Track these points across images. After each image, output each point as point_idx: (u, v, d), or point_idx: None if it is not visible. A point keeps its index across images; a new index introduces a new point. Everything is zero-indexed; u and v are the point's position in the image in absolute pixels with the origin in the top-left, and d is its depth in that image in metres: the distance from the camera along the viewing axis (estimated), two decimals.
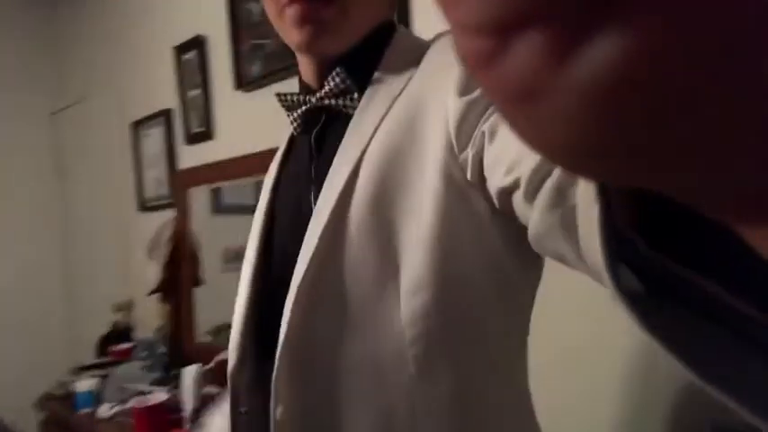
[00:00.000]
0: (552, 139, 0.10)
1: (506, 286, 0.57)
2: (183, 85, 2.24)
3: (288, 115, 0.67)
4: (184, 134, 2.28)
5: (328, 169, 0.60)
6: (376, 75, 0.62)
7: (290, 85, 1.75)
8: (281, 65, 1.73)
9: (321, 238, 0.56)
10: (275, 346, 0.58)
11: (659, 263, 0.16)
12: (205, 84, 2.14)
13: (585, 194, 0.20)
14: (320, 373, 0.57)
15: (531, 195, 0.40)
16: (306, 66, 0.67)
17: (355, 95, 0.62)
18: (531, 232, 0.40)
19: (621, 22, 0.08)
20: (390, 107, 0.59)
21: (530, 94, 0.09)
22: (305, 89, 0.68)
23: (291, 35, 0.61)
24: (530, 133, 0.10)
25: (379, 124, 0.58)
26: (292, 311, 0.57)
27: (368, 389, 0.55)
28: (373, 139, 0.58)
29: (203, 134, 2.18)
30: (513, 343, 0.60)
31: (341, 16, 0.60)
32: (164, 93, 2.35)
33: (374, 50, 0.64)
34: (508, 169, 0.43)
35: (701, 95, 0.08)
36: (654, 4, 0.08)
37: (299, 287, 0.57)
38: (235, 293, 0.71)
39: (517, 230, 0.47)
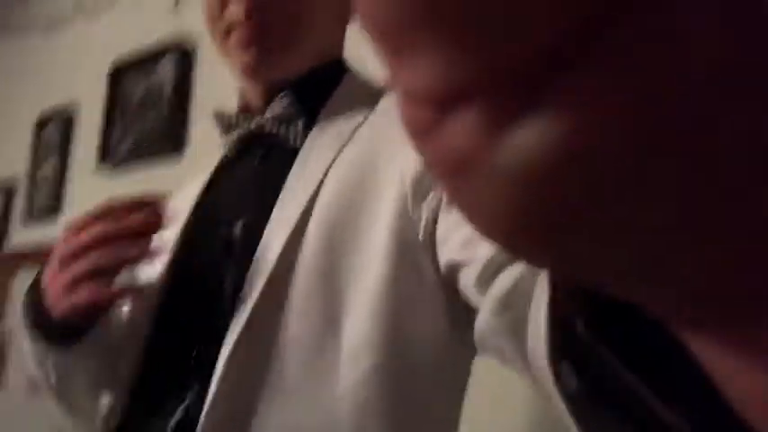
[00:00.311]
0: (480, 214, 0.10)
1: (451, 354, 0.54)
2: (37, 155, 2.02)
3: (221, 136, 0.64)
4: (26, 210, 2.02)
5: (266, 205, 0.56)
6: (323, 113, 0.60)
7: (162, 170, 1.65)
8: (152, 148, 1.62)
9: (264, 289, 0.51)
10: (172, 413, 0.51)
11: (597, 350, 0.16)
12: (64, 157, 1.94)
13: (539, 294, 0.20)
14: None
15: (483, 283, 0.40)
16: (249, 92, 0.65)
17: (300, 125, 0.59)
18: (476, 329, 0.40)
19: (549, 112, 0.08)
20: (340, 152, 0.56)
21: (461, 168, 0.09)
22: (243, 114, 0.64)
23: (236, 57, 0.60)
24: (462, 205, 0.10)
25: (327, 170, 0.55)
26: (226, 368, 0.50)
27: None
28: (322, 187, 0.55)
29: (50, 209, 1.93)
30: (451, 414, 0.57)
31: (287, 41, 0.59)
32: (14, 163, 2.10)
33: (322, 85, 0.62)
34: (464, 243, 0.43)
35: (623, 189, 0.08)
36: (580, 102, 0.08)
37: (237, 341, 0.50)
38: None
39: (461, 305, 0.47)
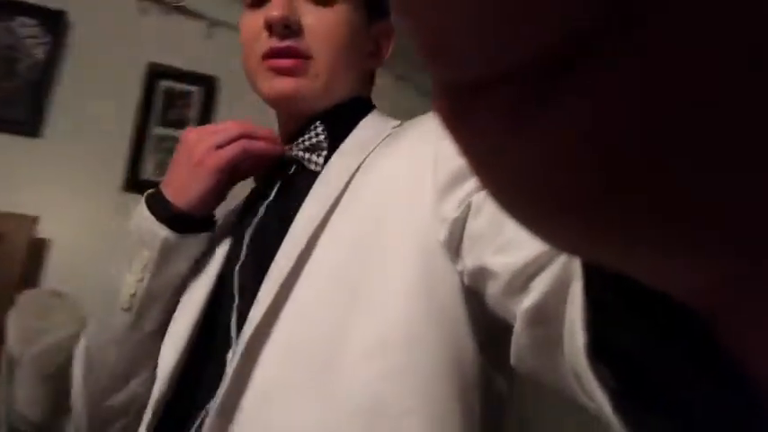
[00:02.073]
0: (510, 197, 0.10)
1: (479, 368, 0.52)
2: None
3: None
4: None
5: (283, 214, 0.59)
6: (347, 141, 0.63)
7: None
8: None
9: (281, 285, 0.52)
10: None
11: (636, 340, 0.15)
12: None
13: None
14: None
15: (513, 293, 0.39)
16: (282, 121, 0.70)
17: (324, 153, 0.62)
18: (513, 350, 0.39)
19: (574, 97, 0.08)
20: (364, 161, 0.59)
21: (492, 153, 0.10)
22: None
23: (269, 86, 0.62)
24: (493, 189, 0.10)
25: (353, 175, 0.58)
26: (239, 365, 0.51)
27: None
28: (348, 189, 0.57)
29: None
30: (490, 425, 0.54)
31: (319, 72, 0.62)
32: None
33: (351, 118, 0.65)
34: (496, 249, 0.42)
35: (654, 173, 0.08)
36: (605, 89, 0.08)
37: (253, 335, 0.51)
38: None
39: (484, 314, 0.47)
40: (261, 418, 0.49)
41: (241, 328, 0.53)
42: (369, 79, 0.72)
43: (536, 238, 0.11)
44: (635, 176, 0.08)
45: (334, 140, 0.63)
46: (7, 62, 1.59)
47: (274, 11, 0.60)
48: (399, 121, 0.66)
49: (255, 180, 0.70)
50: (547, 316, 0.34)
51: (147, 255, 0.60)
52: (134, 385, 0.64)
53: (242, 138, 0.61)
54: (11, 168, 1.57)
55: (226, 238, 0.65)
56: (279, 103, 0.64)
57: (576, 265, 0.21)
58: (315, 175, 0.61)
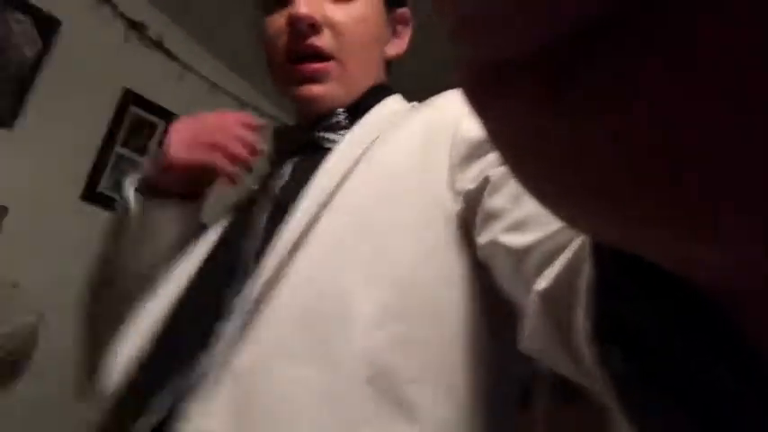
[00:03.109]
0: (534, 178, 0.11)
1: (489, 343, 0.52)
2: None
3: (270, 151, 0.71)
4: None
5: (298, 192, 0.57)
6: (363, 119, 0.64)
7: None
8: None
9: (291, 247, 0.51)
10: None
11: (648, 323, 0.14)
12: None
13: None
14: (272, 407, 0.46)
15: (526, 274, 0.38)
16: (302, 115, 0.69)
17: (343, 132, 0.64)
18: (524, 335, 0.38)
19: (600, 84, 0.08)
20: (378, 136, 0.60)
21: (517, 135, 0.10)
22: (300, 130, 0.70)
23: (298, 92, 0.64)
24: (517, 170, 0.11)
25: (369, 146, 0.58)
26: (243, 321, 0.49)
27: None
28: (363, 159, 0.57)
29: None
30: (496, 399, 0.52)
31: (343, 73, 0.63)
32: None
33: (371, 103, 0.66)
34: (512, 226, 0.41)
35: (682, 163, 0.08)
36: (631, 78, 0.08)
37: (263, 286, 0.50)
38: None
39: (495, 291, 0.46)
40: (260, 384, 0.46)
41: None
42: (387, 66, 0.72)
43: (558, 218, 0.11)
44: (670, 161, 0.08)
45: (354, 123, 0.64)
46: None
47: (299, 9, 0.60)
48: (416, 103, 0.67)
49: (270, 164, 0.71)
50: (562, 299, 0.31)
51: (119, 225, 0.66)
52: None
53: (220, 148, 0.64)
54: None
55: (235, 219, 0.65)
56: (306, 107, 0.65)
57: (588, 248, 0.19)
58: (328, 153, 0.60)
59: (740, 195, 0.08)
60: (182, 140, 0.64)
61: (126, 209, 0.65)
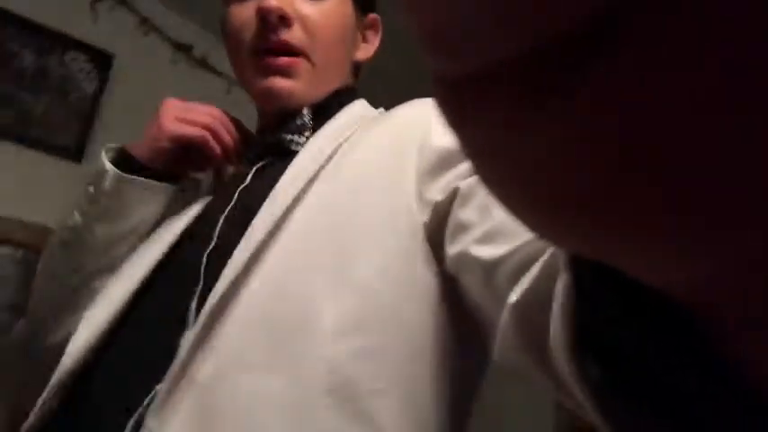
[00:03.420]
0: (508, 193, 0.10)
1: (453, 352, 0.51)
2: None
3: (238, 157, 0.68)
4: None
5: (258, 198, 0.56)
6: (328, 123, 0.63)
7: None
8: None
9: (252, 255, 0.49)
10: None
11: (625, 332, 0.14)
12: None
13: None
14: (226, 414, 0.44)
15: (498, 286, 0.37)
16: (265, 117, 0.69)
17: (308, 133, 0.62)
18: (497, 343, 0.37)
19: (579, 97, 0.08)
20: (347, 139, 0.59)
21: (493, 147, 0.10)
22: (261, 134, 0.69)
23: (261, 84, 0.62)
24: (491, 184, 0.11)
25: (336, 150, 0.57)
26: (197, 337, 0.47)
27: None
28: (328, 165, 0.56)
29: None
30: (458, 410, 0.52)
31: (313, 71, 0.63)
32: None
33: (336, 105, 0.66)
34: (482, 238, 0.41)
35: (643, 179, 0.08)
36: (613, 89, 0.08)
37: (220, 299, 0.48)
38: None
39: (462, 302, 0.45)
40: (220, 394, 0.45)
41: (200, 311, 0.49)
42: (355, 71, 0.72)
43: (532, 231, 0.11)
44: (647, 170, 0.08)
45: (319, 126, 0.63)
46: (60, 92, 1.80)
47: (269, 1, 0.58)
48: (382, 109, 0.66)
49: (231, 166, 0.69)
50: (535, 311, 0.31)
51: (92, 191, 0.61)
52: (70, 324, 0.59)
53: (209, 130, 0.62)
54: (54, 189, 1.79)
55: (191, 216, 0.61)
56: (271, 101, 0.64)
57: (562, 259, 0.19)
58: (294, 157, 0.59)
59: (715, 210, 0.08)
60: (174, 115, 0.62)
61: (100, 178, 0.61)
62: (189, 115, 0.62)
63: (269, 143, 0.65)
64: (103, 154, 0.63)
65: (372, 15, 0.71)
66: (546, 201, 0.10)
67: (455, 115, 0.10)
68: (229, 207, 0.59)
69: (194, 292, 0.52)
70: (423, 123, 0.55)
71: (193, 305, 0.51)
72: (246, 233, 0.52)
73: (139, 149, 0.62)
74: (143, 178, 0.62)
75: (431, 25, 0.09)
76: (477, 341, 0.49)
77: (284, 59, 0.61)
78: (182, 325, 0.49)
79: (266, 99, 0.64)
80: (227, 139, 0.64)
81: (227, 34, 0.65)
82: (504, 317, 0.35)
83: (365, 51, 0.72)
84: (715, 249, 0.09)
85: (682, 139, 0.08)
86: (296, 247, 0.51)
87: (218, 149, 0.63)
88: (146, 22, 1.96)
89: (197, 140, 0.62)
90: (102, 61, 1.88)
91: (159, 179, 0.63)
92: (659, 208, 0.09)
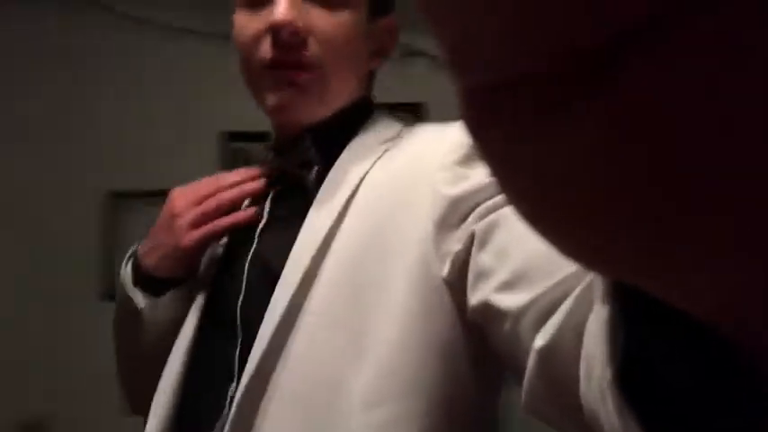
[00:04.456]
0: (528, 206, 0.10)
1: (476, 405, 0.53)
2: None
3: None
4: None
5: (279, 241, 0.57)
6: (347, 150, 0.61)
7: None
8: None
9: (279, 323, 0.52)
10: None
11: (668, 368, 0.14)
12: None
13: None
14: None
15: (523, 334, 0.37)
16: (277, 130, 0.66)
17: (315, 168, 0.61)
18: (523, 398, 0.37)
19: (597, 109, 0.08)
20: (361, 181, 0.57)
21: (511, 158, 0.10)
22: (275, 150, 0.67)
23: (267, 98, 0.60)
24: (511, 196, 0.10)
25: (349, 201, 0.56)
26: (240, 407, 0.51)
27: None
28: (345, 219, 0.55)
29: None
30: None
31: (320, 84, 0.60)
32: None
33: (349, 125, 0.63)
34: (503, 285, 0.41)
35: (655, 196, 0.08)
36: (629, 103, 0.08)
37: (252, 377, 0.51)
38: None
39: (489, 352, 0.45)
40: None
41: (243, 363, 0.53)
42: (370, 78, 0.69)
43: (557, 248, 0.11)
44: (667, 184, 0.08)
45: (328, 155, 0.61)
46: None
47: (281, 15, 0.55)
48: (398, 129, 0.63)
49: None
50: (562, 355, 0.31)
51: (127, 318, 0.64)
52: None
53: (219, 205, 0.61)
54: None
55: (217, 267, 0.64)
56: (280, 115, 0.62)
57: (592, 300, 0.19)
58: (307, 192, 0.59)
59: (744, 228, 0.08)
60: (188, 222, 0.61)
61: (135, 309, 0.63)
62: (196, 216, 0.61)
63: (280, 174, 0.64)
64: (127, 280, 0.64)
65: (387, 19, 0.66)
66: (570, 211, 0.10)
67: (479, 125, 0.10)
68: (252, 252, 0.60)
69: (235, 346, 0.55)
70: (432, 164, 0.53)
71: (236, 359, 0.54)
72: (271, 302, 0.53)
73: (161, 269, 0.63)
74: (172, 291, 0.63)
75: (456, 38, 0.09)
76: (500, 388, 0.50)
77: (297, 73, 0.59)
78: (229, 379, 0.54)
79: (278, 113, 0.62)
80: (231, 217, 0.62)
81: (238, 44, 0.62)
82: (531, 364, 0.35)
83: (381, 58, 0.68)
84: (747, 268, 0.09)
85: (690, 149, 0.08)
86: (320, 316, 0.52)
87: (235, 222, 0.62)
88: None
89: (213, 235, 0.62)
90: None
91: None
92: (685, 225, 0.09)
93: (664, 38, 0.07)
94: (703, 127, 0.08)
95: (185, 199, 0.62)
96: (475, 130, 0.10)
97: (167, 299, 0.63)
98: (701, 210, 0.08)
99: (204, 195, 0.62)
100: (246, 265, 0.59)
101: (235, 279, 0.59)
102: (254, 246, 0.60)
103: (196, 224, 0.60)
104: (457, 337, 0.50)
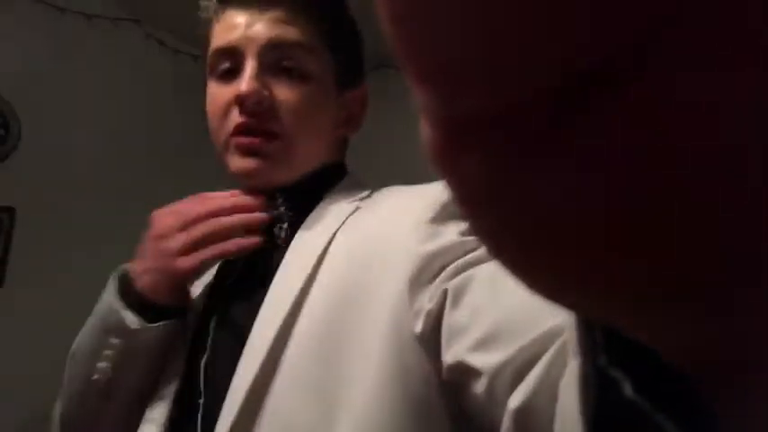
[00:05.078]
0: (496, 244, 0.10)
1: None
2: None
3: None
4: None
5: (246, 301, 0.57)
6: (318, 207, 0.62)
7: None
8: None
9: (252, 385, 0.50)
10: None
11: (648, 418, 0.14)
12: None
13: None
14: None
15: (497, 394, 0.37)
16: (244, 192, 0.65)
17: (285, 225, 0.61)
18: None
19: (562, 155, 0.08)
20: (332, 239, 0.57)
21: (478, 196, 0.09)
22: None
23: (235, 163, 0.61)
24: (479, 232, 0.10)
25: (320, 260, 0.56)
26: None
27: None
28: (316, 279, 0.55)
29: None
30: None
31: (285, 151, 0.61)
32: None
33: (320, 186, 0.64)
34: (476, 343, 0.40)
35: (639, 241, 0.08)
36: (594, 149, 0.08)
37: None
38: None
39: (464, 412, 0.45)
40: None
41: (209, 428, 0.51)
42: (341, 144, 0.70)
43: (528, 286, 0.10)
44: (652, 224, 0.08)
45: (299, 214, 0.62)
46: None
47: (245, 86, 0.59)
48: (368, 191, 0.64)
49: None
50: (538, 415, 0.31)
51: (116, 342, 0.58)
52: None
53: (214, 231, 0.59)
54: None
55: (192, 321, 0.62)
56: (242, 180, 0.63)
57: (566, 358, 0.19)
58: (279, 251, 0.59)
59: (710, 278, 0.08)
60: (179, 247, 0.58)
61: (125, 331, 0.58)
62: (188, 240, 0.58)
63: None
64: (119, 301, 0.59)
65: (357, 92, 0.69)
66: (546, 249, 0.09)
67: (450, 160, 0.09)
68: (219, 310, 0.60)
69: (198, 408, 0.54)
70: (406, 228, 0.53)
71: (198, 426, 0.53)
72: (239, 363, 0.52)
73: (153, 291, 0.59)
74: (168, 321, 0.59)
75: (436, 63, 0.08)
76: None
77: (254, 139, 0.60)
78: None
79: (240, 178, 0.63)
80: (233, 243, 0.59)
81: (209, 112, 0.64)
82: (506, 424, 0.35)
83: (351, 127, 0.70)
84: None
85: (681, 189, 0.08)
86: (292, 378, 0.51)
87: (233, 250, 0.59)
88: None
89: (209, 260, 0.59)
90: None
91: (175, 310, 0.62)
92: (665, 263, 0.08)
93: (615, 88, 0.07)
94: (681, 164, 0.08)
95: (172, 220, 0.60)
96: (449, 161, 0.09)
97: (160, 329, 0.59)
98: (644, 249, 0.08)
99: (193, 218, 0.59)
100: (213, 321, 0.59)
101: (202, 336, 0.59)
102: (223, 301, 0.60)
103: (189, 248, 0.58)
104: (433, 396, 0.49)
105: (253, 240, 0.59)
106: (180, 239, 0.58)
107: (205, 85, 0.66)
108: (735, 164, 0.07)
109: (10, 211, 1.88)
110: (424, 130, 0.10)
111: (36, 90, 1.99)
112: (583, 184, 0.08)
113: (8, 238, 1.86)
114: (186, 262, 0.57)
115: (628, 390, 0.13)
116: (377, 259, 0.54)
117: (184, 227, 0.59)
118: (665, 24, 0.07)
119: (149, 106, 2.30)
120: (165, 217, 0.61)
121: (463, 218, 0.10)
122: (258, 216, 0.61)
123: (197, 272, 0.59)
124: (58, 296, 1.78)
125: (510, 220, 0.09)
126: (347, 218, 0.59)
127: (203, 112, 0.66)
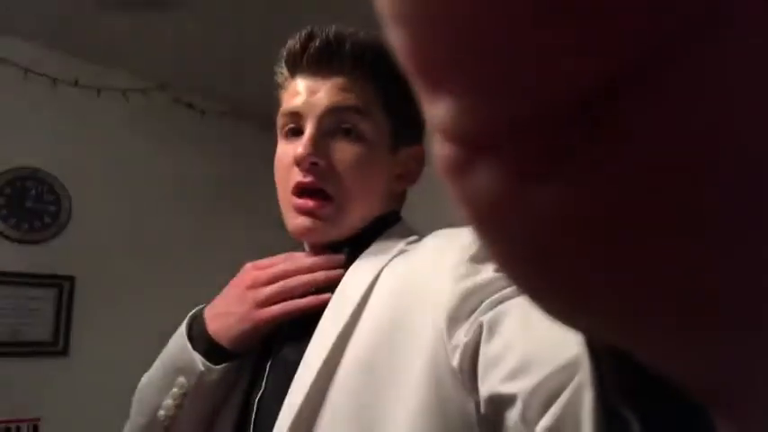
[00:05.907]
0: (505, 259, 0.10)
1: None
2: None
3: None
4: None
5: (296, 342, 0.61)
6: (366, 252, 0.66)
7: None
8: None
9: (295, 420, 0.53)
10: None
11: None
12: None
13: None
14: None
15: (529, 420, 0.38)
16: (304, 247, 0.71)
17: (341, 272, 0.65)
18: None
19: (569, 173, 0.08)
20: (376, 279, 0.60)
21: (488, 211, 0.09)
22: None
23: (291, 221, 0.66)
24: (489, 247, 0.10)
25: (366, 297, 0.59)
26: None
27: None
28: (361, 315, 0.58)
29: None
30: None
31: (337, 213, 0.65)
32: None
33: (375, 236, 0.68)
34: (508, 375, 0.42)
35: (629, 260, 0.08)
36: (601, 167, 0.08)
37: None
38: None
39: None
40: None
41: None
42: (397, 197, 0.74)
43: (543, 309, 0.11)
44: (663, 243, 0.08)
45: (355, 257, 0.66)
46: None
47: (302, 149, 0.63)
48: (417, 237, 0.67)
49: None
50: None
51: (183, 381, 0.63)
52: None
53: (291, 291, 0.64)
54: None
55: (252, 359, 0.67)
56: (299, 238, 0.68)
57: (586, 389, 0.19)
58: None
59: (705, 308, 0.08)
60: (262, 299, 0.64)
61: (193, 369, 0.63)
62: (270, 293, 0.64)
63: None
64: (185, 335, 0.65)
65: (414, 149, 0.72)
66: (561, 269, 0.09)
67: (460, 178, 0.10)
68: (274, 351, 0.65)
69: None
70: (447, 264, 0.55)
71: None
72: (285, 402, 0.55)
73: (225, 336, 0.64)
74: (230, 363, 0.64)
75: (455, 74, 0.09)
76: None
77: (311, 203, 0.64)
78: None
79: (295, 236, 0.68)
80: (304, 301, 0.65)
81: (275, 168, 0.70)
82: None
83: (407, 182, 0.73)
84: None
85: (678, 208, 0.08)
86: (335, 413, 0.53)
87: (303, 308, 0.64)
88: None
89: (282, 317, 0.64)
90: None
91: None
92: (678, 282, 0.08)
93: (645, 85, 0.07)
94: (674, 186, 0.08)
95: (260, 274, 0.66)
96: (450, 177, 0.10)
97: (221, 370, 0.64)
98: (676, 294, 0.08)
99: (280, 274, 0.66)
100: (269, 362, 0.64)
101: (258, 377, 0.64)
102: (277, 344, 0.65)
103: (271, 300, 0.64)
104: (470, 429, 0.50)
105: (324, 297, 0.63)
106: (265, 292, 0.64)
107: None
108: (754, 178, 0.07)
109: (71, 279, 2.03)
110: (436, 147, 0.10)
111: (79, 164, 2.16)
112: (596, 199, 0.08)
113: (69, 306, 2.00)
114: (267, 312, 0.63)
115: (636, 430, 0.14)
116: (417, 298, 0.56)
117: (272, 281, 0.65)
118: (683, 39, 0.07)
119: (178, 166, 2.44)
120: (255, 270, 0.67)
121: (476, 238, 0.11)
122: (337, 273, 0.65)
123: (274, 323, 0.64)
124: (118, 360, 1.88)
125: (518, 236, 0.10)
126: (391, 259, 0.62)
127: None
